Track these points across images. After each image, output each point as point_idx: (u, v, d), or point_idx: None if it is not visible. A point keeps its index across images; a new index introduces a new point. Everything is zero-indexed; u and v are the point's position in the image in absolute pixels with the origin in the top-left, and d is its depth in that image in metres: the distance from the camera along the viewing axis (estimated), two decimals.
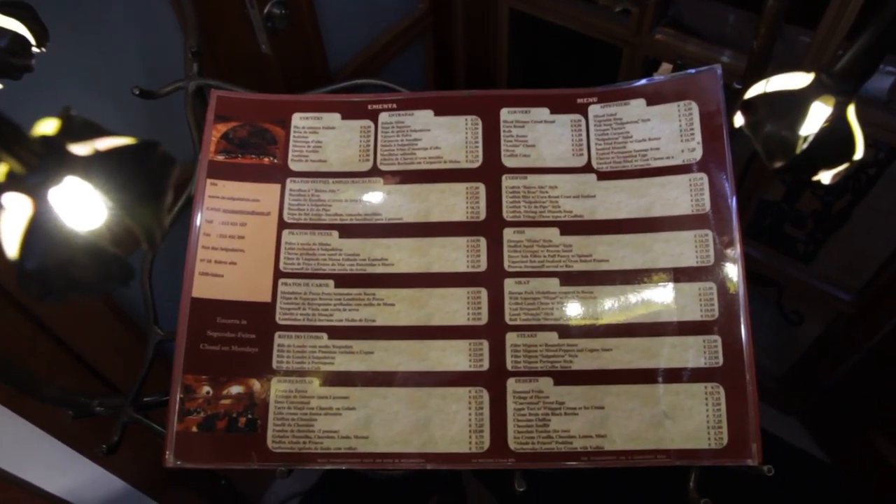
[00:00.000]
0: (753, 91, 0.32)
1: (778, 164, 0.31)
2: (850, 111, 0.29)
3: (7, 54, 0.44)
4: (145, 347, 0.60)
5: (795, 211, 1.43)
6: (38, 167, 0.21)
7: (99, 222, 0.22)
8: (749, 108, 0.31)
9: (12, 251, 0.22)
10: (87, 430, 0.86)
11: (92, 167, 0.22)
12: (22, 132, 0.20)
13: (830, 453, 1.42)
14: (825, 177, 0.31)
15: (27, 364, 0.72)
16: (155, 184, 0.23)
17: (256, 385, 0.57)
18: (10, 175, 0.21)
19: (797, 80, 0.30)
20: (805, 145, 0.29)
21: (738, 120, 0.32)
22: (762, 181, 1.17)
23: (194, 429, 0.55)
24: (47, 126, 0.22)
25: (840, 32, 0.86)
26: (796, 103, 0.29)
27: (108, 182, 0.22)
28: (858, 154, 0.30)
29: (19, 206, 0.21)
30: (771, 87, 0.31)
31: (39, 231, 0.22)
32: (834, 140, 0.29)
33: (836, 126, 0.29)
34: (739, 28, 1.24)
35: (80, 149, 0.22)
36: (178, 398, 0.56)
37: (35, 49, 0.45)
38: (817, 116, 0.29)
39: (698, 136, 0.60)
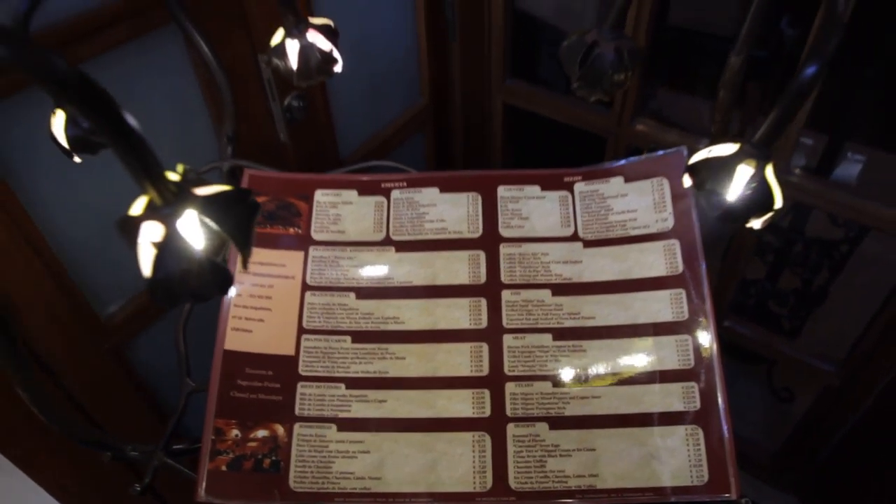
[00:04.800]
0: (696, 157, 0.41)
1: (717, 214, 0.40)
2: (769, 171, 0.38)
3: (89, 133, 0.53)
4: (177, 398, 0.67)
5: (777, 289, 1.53)
6: (171, 202, 0.30)
7: (210, 244, 0.31)
8: (693, 171, 0.41)
9: (146, 266, 0.30)
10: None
11: (206, 204, 0.31)
12: (165, 176, 0.29)
13: None
14: (756, 223, 0.39)
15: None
16: (247, 218, 0.32)
17: (280, 430, 0.64)
18: (151, 206, 0.30)
19: (728, 149, 0.40)
20: (736, 199, 0.38)
21: (687, 181, 0.42)
22: (742, 259, 1.27)
23: (224, 468, 0.61)
24: (174, 175, 0.31)
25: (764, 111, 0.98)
26: (727, 166, 0.39)
27: (217, 215, 0.31)
28: (778, 204, 0.39)
29: (155, 231, 0.30)
30: (711, 154, 0.41)
31: (167, 250, 0.30)
32: (758, 194, 0.38)
33: (759, 183, 0.38)
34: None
35: (198, 191, 0.31)
36: (210, 440, 0.62)
37: None
38: (743, 176, 0.38)
39: (669, 208, 0.70)
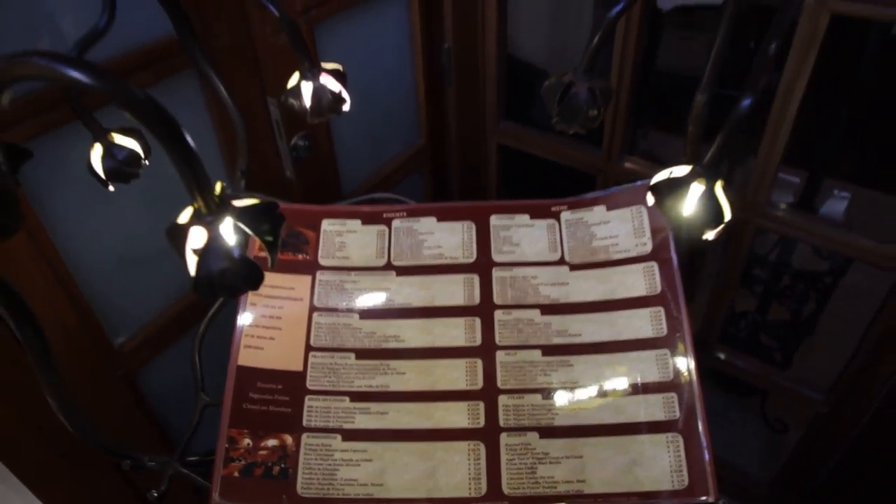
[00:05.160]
0: (657, 178, 0.48)
1: (674, 226, 0.46)
2: (718, 188, 0.45)
3: (123, 164, 0.61)
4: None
5: (767, 321, 1.59)
6: (214, 211, 0.37)
7: (245, 245, 0.38)
8: (655, 190, 0.48)
9: (192, 266, 0.37)
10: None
11: (242, 213, 0.38)
12: (212, 188, 0.36)
13: None
14: (710, 234, 0.46)
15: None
16: (275, 226, 0.39)
17: (289, 439, 0.69)
18: (197, 214, 0.37)
19: (684, 170, 0.47)
20: (691, 212, 0.45)
21: (650, 199, 0.48)
22: (730, 288, 1.33)
23: (236, 474, 0.67)
24: (218, 187, 0.38)
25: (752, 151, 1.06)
26: (683, 185, 0.46)
27: (251, 222, 0.38)
28: (727, 218, 0.45)
29: (200, 235, 0.37)
30: (670, 175, 0.48)
31: (211, 251, 0.37)
32: (709, 208, 0.45)
33: (709, 199, 0.45)
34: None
35: (235, 203, 0.38)
36: (224, 447, 0.68)
37: (143, 161, 0.62)
38: (695, 193, 0.45)
39: (648, 233, 0.77)
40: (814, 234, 1.16)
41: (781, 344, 1.59)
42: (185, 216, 0.37)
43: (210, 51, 0.87)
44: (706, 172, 0.45)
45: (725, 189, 0.46)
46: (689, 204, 0.45)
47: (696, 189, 0.45)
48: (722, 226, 0.46)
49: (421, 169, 1.49)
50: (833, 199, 2.03)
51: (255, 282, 0.38)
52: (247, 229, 0.37)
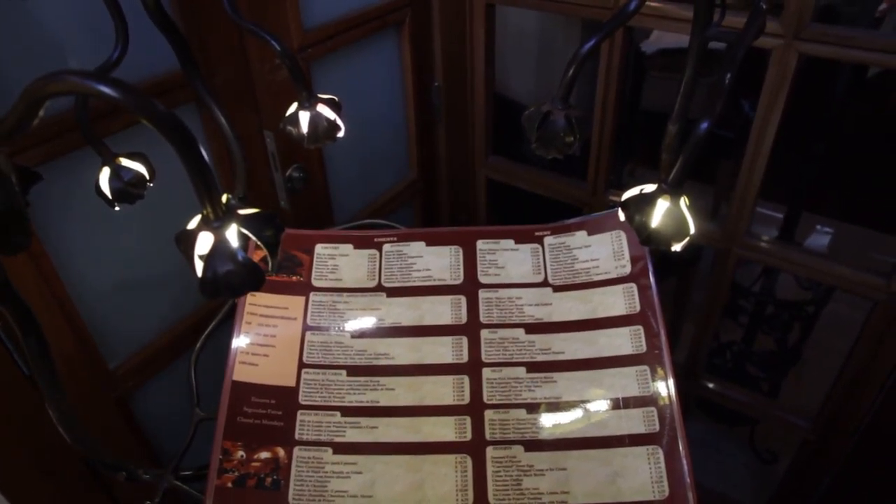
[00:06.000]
0: (627, 195, 0.53)
1: (643, 238, 0.51)
2: (682, 203, 0.50)
3: (129, 185, 0.65)
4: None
5: (753, 351, 1.63)
6: (221, 217, 0.41)
7: (247, 249, 0.42)
8: (625, 205, 0.52)
9: (199, 268, 0.41)
10: None
11: (246, 220, 0.42)
12: (220, 197, 0.40)
13: None
14: (677, 246, 0.51)
15: None
16: (276, 233, 0.43)
17: (281, 452, 0.72)
18: (204, 220, 0.41)
19: (651, 188, 0.51)
20: (657, 224, 0.50)
21: (621, 215, 0.53)
22: (714, 316, 1.38)
23: (229, 485, 0.69)
24: (224, 198, 0.42)
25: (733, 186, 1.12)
26: (650, 201, 0.50)
27: (254, 229, 0.42)
28: (691, 231, 0.50)
29: (207, 239, 0.41)
30: (639, 193, 0.52)
31: (217, 254, 0.41)
32: (674, 222, 0.49)
33: (675, 213, 0.49)
34: None
35: (240, 211, 0.42)
36: (218, 459, 0.70)
37: (148, 183, 0.67)
38: (662, 208, 0.50)
39: (627, 256, 0.82)
40: (793, 263, 1.21)
41: (768, 373, 1.62)
42: (193, 223, 0.42)
43: (211, 85, 0.93)
44: (671, 189, 0.50)
45: (690, 206, 0.50)
46: (656, 217, 0.50)
47: (662, 204, 0.50)
48: (687, 238, 0.50)
49: (412, 202, 1.55)
50: (816, 234, 2.10)
51: (256, 282, 0.42)
52: (250, 234, 0.42)
